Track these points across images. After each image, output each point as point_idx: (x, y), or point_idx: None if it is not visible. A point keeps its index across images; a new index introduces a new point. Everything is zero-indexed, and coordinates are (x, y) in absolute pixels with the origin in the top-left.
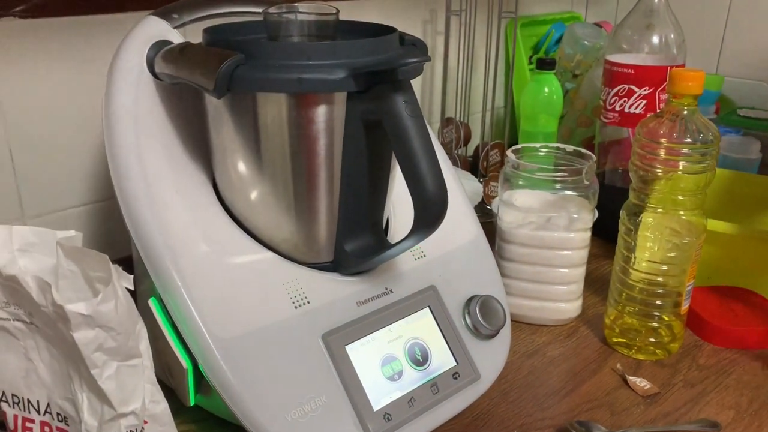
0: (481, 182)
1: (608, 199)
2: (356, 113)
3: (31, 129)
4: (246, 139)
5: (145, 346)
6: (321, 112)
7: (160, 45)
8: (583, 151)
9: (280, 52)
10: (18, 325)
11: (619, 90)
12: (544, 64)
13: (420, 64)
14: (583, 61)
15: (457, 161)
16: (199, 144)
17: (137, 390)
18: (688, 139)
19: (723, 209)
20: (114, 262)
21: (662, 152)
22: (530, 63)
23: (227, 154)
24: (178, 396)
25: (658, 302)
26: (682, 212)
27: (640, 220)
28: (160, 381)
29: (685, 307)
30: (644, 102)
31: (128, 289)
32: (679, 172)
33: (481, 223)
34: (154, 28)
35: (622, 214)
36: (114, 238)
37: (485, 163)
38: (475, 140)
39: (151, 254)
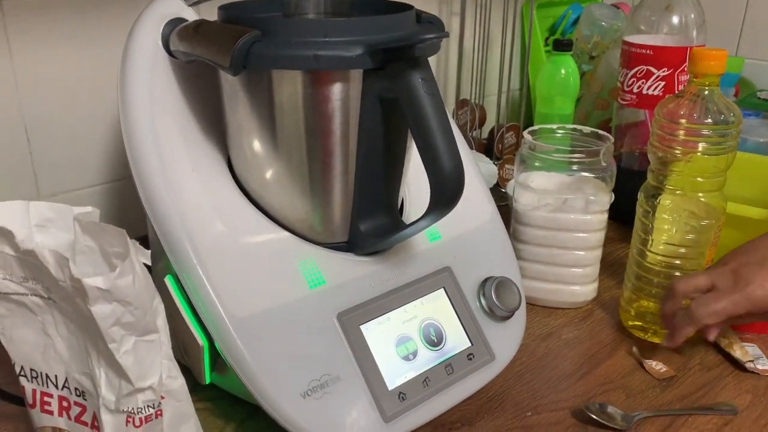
0: (496, 165)
1: (625, 182)
2: (372, 91)
3: (46, 109)
4: (261, 117)
5: (162, 321)
6: (337, 89)
7: (174, 23)
8: (601, 132)
9: (296, 29)
10: (36, 300)
11: (637, 71)
12: (561, 46)
13: (437, 40)
14: (601, 42)
15: (472, 143)
16: (214, 123)
17: (154, 365)
18: (709, 120)
19: (742, 193)
20: None
21: (682, 133)
22: (546, 44)
23: (242, 132)
24: (194, 374)
25: None
26: (701, 194)
27: (658, 202)
28: (176, 359)
29: None
30: (663, 84)
31: (145, 265)
32: (699, 154)
33: (497, 206)
34: (168, 6)
35: (640, 195)
36: (130, 218)
37: (500, 146)
38: (490, 122)
39: (167, 233)
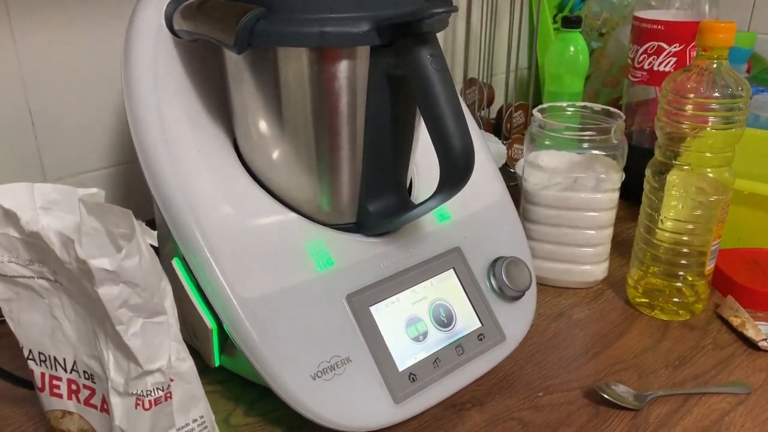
0: (504, 144)
1: (635, 161)
2: (380, 68)
3: (50, 91)
4: (267, 96)
5: (170, 303)
6: (343, 67)
7: (178, 1)
8: (612, 109)
9: (301, 5)
10: (42, 283)
11: (648, 47)
12: (570, 23)
13: (446, 15)
14: (610, 19)
15: (480, 123)
16: (219, 103)
17: (163, 347)
18: (717, 94)
19: (754, 170)
20: None
21: (690, 108)
22: (555, 22)
23: (248, 112)
24: (203, 357)
25: (683, 261)
26: (709, 170)
27: (666, 179)
28: (185, 342)
29: (710, 267)
30: (674, 60)
31: (152, 246)
32: (708, 128)
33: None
34: None
35: (648, 172)
36: (137, 201)
37: (509, 125)
38: (499, 102)
39: (173, 215)
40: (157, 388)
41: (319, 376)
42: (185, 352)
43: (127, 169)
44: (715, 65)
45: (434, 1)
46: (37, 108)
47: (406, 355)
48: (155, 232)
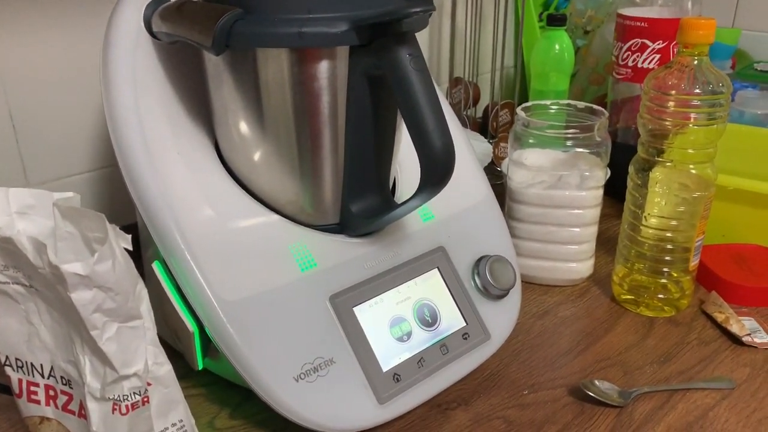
0: (491, 143)
1: (621, 157)
2: (359, 68)
3: (31, 95)
4: (247, 97)
5: (146, 307)
6: (323, 67)
7: (157, 3)
8: (595, 107)
9: (279, 6)
10: (18, 289)
11: (631, 44)
12: (555, 21)
13: (424, 14)
14: (595, 16)
15: (467, 122)
16: (200, 105)
17: (139, 351)
18: (698, 90)
19: (739, 166)
20: (121, 228)
21: (671, 104)
22: (540, 20)
23: (228, 114)
24: (187, 360)
25: (667, 258)
26: (691, 166)
27: (649, 175)
28: (169, 346)
29: (694, 263)
30: (658, 56)
31: (127, 250)
32: (690, 125)
33: (492, 185)
34: None
35: (631, 169)
36: (121, 204)
37: (495, 124)
38: (485, 100)
39: (153, 217)
40: (134, 393)
41: (302, 378)
42: (163, 356)
43: (110, 172)
44: (696, 62)
45: (413, 1)
46: (17, 112)
47: (390, 355)
48: (129, 236)
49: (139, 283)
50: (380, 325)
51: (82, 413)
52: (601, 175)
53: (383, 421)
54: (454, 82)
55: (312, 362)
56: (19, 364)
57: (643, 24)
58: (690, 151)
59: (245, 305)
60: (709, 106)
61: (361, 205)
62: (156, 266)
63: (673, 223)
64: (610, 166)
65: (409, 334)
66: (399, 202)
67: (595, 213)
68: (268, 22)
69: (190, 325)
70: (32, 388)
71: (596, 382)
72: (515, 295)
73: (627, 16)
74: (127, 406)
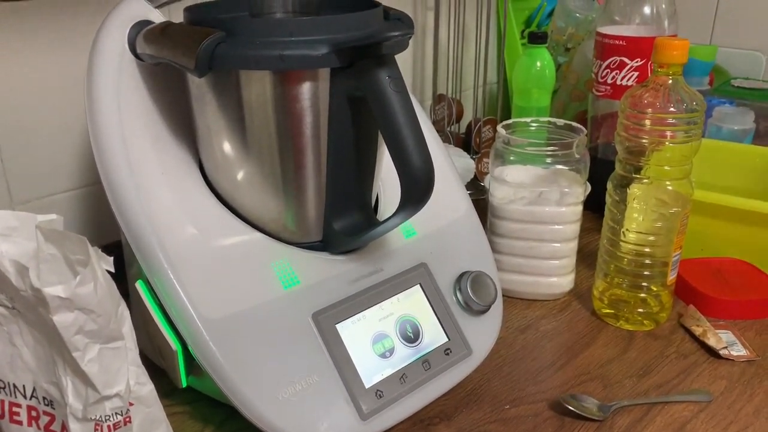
0: (474, 159)
1: (602, 173)
2: (341, 89)
3: (16, 114)
4: (230, 118)
5: (128, 328)
6: (305, 89)
7: (141, 25)
8: (574, 124)
9: (261, 29)
10: (0, 311)
11: (610, 62)
12: (536, 38)
13: (403, 38)
14: (576, 34)
15: (450, 138)
16: (183, 125)
17: (121, 372)
18: (673, 108)
19: (716, 181)
20: (105, 246)
21: (648, 122)
22: (522, 37)
23: (212, 134)
24: (171, 378)
25: (646, 273)
26: (668, 182)
27: (627, 192)
28: (153, 364)
29: (672, 277)
30: (636, 74)
31: (109, 272)
32: (667, 143)
33: (475, 200)
34: (134, 8)
35: (609, 185)
36: (105, 222)
37: (478, 140)
38: (468, 117)
39: (136, 236)
40: (116, 413)
41: (285, 396)
42: (145, 376)
43: (95, 191)
44: (670, 81)
45: (394, 23)
46: (1, 131)
47: (372, 371)
48: (111, 258)
49: (122, 304)
50: (363, 341)
51: None
52: (580, 191)
53: None
54: (438, 98)
55: (295, 379)
56: (2, 385)
57: (621, 42)
58: (666, 167)
59: (228, 323)
60: (685, 123)
61: (344, 222)
62: (140, 285)
63: (651, 238)
64: (591, 181)
65: (391, 351)
66: (381, 220)
67: (574, 228)
68: (250, 44)
69: (174, 343)
70: (14, 409)
71: (576, 396)
72: (497, 310)
73: (606, 35)
74: (109, 426)
